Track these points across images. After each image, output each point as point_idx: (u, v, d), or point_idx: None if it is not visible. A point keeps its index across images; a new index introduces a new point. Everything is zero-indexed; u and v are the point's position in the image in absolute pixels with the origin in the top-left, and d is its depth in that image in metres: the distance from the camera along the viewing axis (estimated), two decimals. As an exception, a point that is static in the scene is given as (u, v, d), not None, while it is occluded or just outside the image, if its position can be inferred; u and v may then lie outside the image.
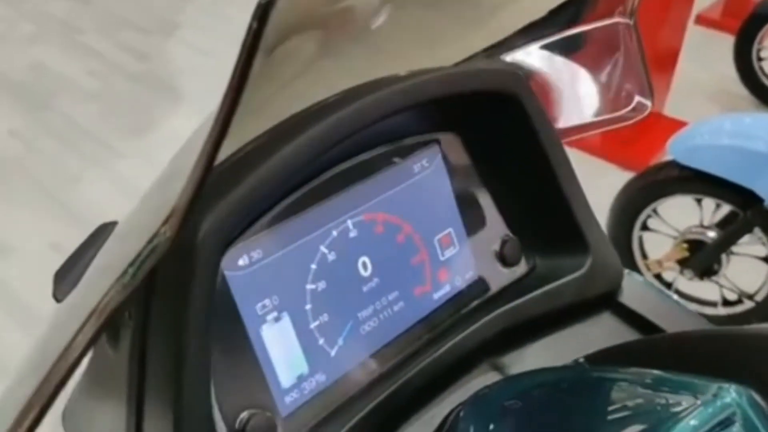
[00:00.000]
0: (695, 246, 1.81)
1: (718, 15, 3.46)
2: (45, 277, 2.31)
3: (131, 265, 0.32)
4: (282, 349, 0.49)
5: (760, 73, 2.86)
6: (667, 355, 0.44)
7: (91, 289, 0.37)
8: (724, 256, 1.78)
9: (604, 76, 0.64)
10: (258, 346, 0.48)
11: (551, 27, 0.62)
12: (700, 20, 3.44)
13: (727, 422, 0.33)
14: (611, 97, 0.64)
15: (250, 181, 0.43)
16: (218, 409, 0.45)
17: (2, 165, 2.56)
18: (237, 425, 0.46)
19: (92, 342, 0.32)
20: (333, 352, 0.51)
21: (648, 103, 0.62)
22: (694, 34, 3.04)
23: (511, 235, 0.61)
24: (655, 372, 0.38)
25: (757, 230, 1.68)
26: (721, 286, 1.84)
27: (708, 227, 1.80)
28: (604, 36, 0.62)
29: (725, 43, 2.94)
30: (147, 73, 3.12)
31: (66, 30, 3.41)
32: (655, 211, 1.85)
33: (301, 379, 0.50)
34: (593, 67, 0.64)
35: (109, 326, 0.35)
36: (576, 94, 0.65)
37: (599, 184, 2.16)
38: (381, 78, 0.52)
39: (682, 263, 1.83)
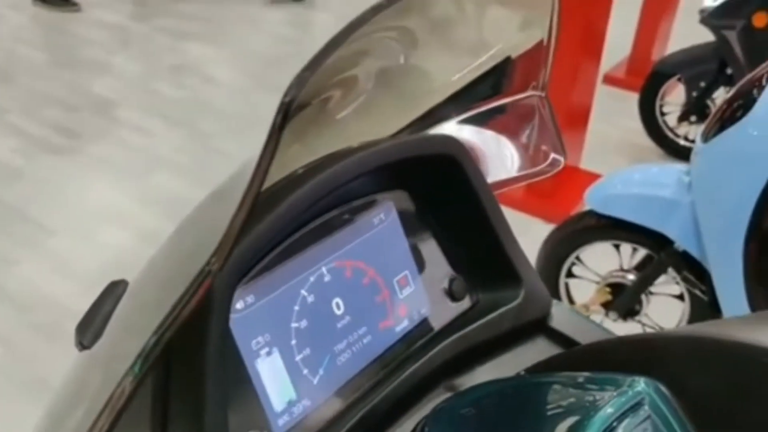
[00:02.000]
0: (617, 289, 1.93)
1: (623, 74, 3.72)
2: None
3: (182, 297, 0.39)
4: (274, 379, 0.56)
5: (664, 127, 3.08)
6: (592, 361, 0.52)
7: (136, 328, 0.44)
8: (644, 297, 1.90)
9: (523, 138, 0.76)
10: (254, 376, 0.55)
11: (474, 99, 0.73)
12: (607, 80, 3.69)
13: (637, 406, 0.42)
14: (530, 155, 0.75)
15: (251, 238, 0.51)
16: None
17: (-71, 248, 2.51)
18: None
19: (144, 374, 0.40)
20: (315, 381, 0.59)
21: (561, 158, 0.74)
22: (602, 93, 3.27)
23: (456, 274, 0.70)
24: (583, 374, 0.47)
25: (670, 270, 1.81)
26: (643, 324, 1.95)
27: (627, 270, 1.92)
28: (521, 106, 0.73)
29: (632, 100, 3.16)
30: (76, 149, 3.12)
31: (-11, 110, 3.39)
32: (578, 258, 1.96)
33: (290, 404, 0.57)
34: (514, 131, 0.76)
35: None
36: (500, 154, 0.76)
37: (523, 237, 2.28)
38: (339, 150, 0.61)
39: (607, 306, 1.94)
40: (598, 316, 2.00)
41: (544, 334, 0.69)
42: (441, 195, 0.68)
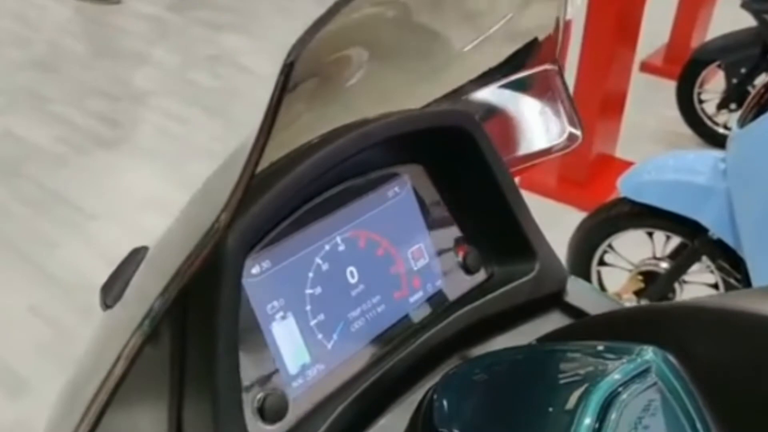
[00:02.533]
0: (650, 277, 1.91)
1: (660, 62, 3.66)
2: (25, 339, 2.33)
3: (190, 254, 0.42)
4: (288, 342, 0.58)
5: (702, 115, 3.03)
6: (603, 331, 0.53)
7: (149, 290, 0.47)
8: (677, 285, 1.88)
9: (540, 114, 0.76)
10: (269, 339, 0.57)
11: (498, 75, 0.73)
12: (645, 67, 3.64)
13: (644, 374, 0.43)
14: (547, 131, 0.76)
15: (261, 205, 0.53)
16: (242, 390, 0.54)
17: (-25, 233, 2.60)
18: (256, 403, 0.55)
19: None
20: (329, 346, 0.61)
21: (578, 132, 0.74)
22: (639, 81, 3.22)
23: (471, 247, 0.71)
24: (594, 342, 0.47)
25: (705, 259, 1.78)
26: (676, 313, 1.93)
27: (660, 259, 1.90)
28: (536, 82, 0.74)
29: (669, 88, 3.11)
30: (117, 138, 3.19)
31: (34, 99, 3.48)
32: (610, 246, 1.95)
33: (304, 367, 0.59)
34: (530, 107, 0.76)
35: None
36: (518, 130, 0.76)
37: (558, 225, 2.28)
38: (355, 121, 0.62)
39: (639, 294, 1.92)
40: (630, 304, 1.98)
41: (560, 308, 0.69)
42: (455, 169, 0.69)
